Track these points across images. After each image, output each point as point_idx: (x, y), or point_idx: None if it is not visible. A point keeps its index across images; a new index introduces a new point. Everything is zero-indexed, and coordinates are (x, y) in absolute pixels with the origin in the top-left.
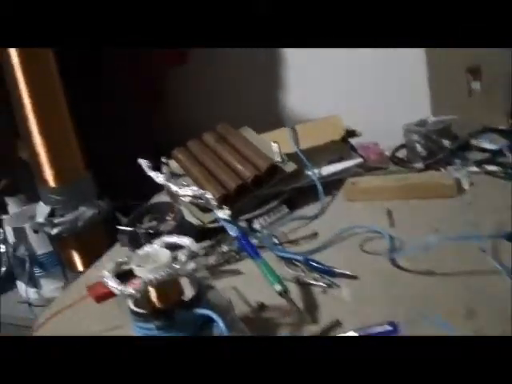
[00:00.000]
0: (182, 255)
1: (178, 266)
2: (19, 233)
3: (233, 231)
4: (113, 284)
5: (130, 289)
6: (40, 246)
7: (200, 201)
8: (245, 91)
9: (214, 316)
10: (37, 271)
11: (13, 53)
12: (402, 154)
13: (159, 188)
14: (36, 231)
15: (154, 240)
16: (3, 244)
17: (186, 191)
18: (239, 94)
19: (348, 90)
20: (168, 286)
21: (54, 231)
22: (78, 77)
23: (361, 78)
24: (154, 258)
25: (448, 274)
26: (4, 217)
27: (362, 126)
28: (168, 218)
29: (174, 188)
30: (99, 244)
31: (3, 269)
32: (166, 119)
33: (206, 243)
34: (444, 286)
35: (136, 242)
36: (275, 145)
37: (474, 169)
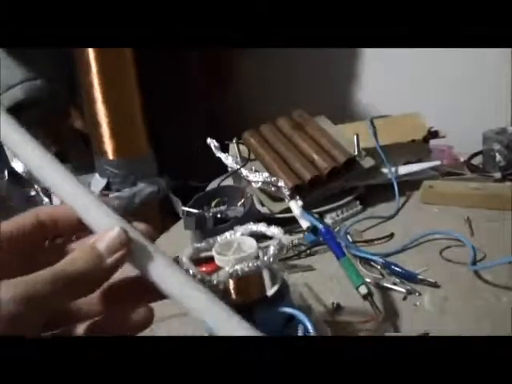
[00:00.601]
0: (272, 247)
1: (266, 259)
2: None
3: (313, 223)
4: (192, 271)
5: (212, 278)
6: None
7: (271, 188)
8: (318, 80)
9: (301, 316)
10: None
11: None
12: (476, 161)
13: (222, 171)
14: None
15: (225, 225)
16: None
17: (257, 177)
18: (311, 82)
19: (426, 90)
20: (250, 280)
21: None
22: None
23: (441, 78)
24: (238, 246)
25: None
26: None
27: (437, 127)
28: (237, 203)
29: (244, 172)
30: (154, 223)
31: None
32: (234, 103)
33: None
34: None
35: (202, 226)
36: (355, 137)
37: None
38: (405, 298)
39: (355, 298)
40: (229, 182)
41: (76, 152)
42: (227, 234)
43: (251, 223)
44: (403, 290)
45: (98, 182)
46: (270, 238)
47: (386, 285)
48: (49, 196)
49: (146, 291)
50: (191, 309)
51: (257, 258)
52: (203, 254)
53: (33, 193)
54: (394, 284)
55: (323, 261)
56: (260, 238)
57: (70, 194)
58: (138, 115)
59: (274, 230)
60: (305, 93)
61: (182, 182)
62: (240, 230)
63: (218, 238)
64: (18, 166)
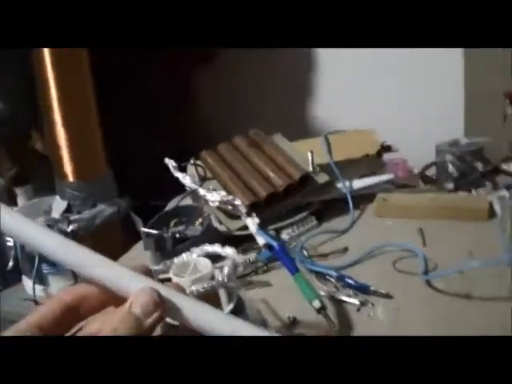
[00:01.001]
0: (226, 267)
1: (221, 279)
2: None
3: (267, 241)
4: None
5: None
6: None
7: (228, 207)
8: (271, 96)
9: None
10: (45, 268)
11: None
12: (430, 172)
13: (180, 190)
14: (50, 226)
15: (183, 245)
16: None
17: (215, 196)
18: (265, 98)
19: (378, 103)
20: (207, 299)
21: (70, 228)
22: (106, 75)
23: (393, 91)
24: (194, 267)
25: (484, 297)
26: (14, 209)
27: (390, 142)
28: (195, 222)
29: (201, 192)
30: (115, 244)
31: (10, 263)
32: (191, 120)
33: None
34: (481, 310)
35: (162, 246)
36: (309, 154)
37: (505, 193)
38: (359, 310)
39: (311, 311)
40: (188, 201)
41: (37, 174)
42: (184, 256)
43: (207, 244)
44: (357, 302)
45: (59, 204)
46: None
47: (340, 297)
48: None
49: None
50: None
51: (212, 277)
52: (162, 276)
53: None
54: (348, 296)
55: (279, 276)
56: (216, 258)
57: (93, 266)
58: (97, 138)
59: (228, 251)
60: (261, 110)
61: (143, 201)
62: (196, 252)
63: (175, 260)
64: None
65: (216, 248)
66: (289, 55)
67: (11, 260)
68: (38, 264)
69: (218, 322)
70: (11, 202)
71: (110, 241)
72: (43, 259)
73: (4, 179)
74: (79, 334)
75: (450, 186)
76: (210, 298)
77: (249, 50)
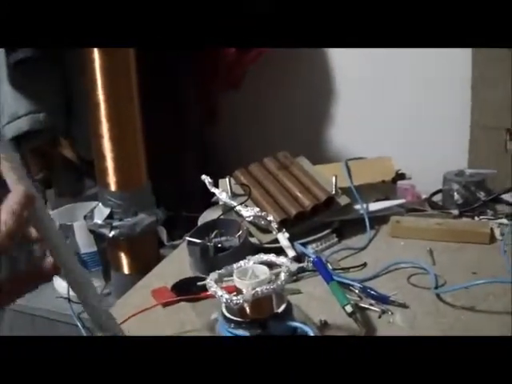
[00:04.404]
0: (282, 273)
1: (280, 283)
2: (66, 230)
3: (307, 254)
4: (220, 292)
5: (239, 298)
6: (85, 245)
7: (261, 222)
8: (292, 121)
9: (305, 327)
10: None
11: (96, 55)
12: (436, 198)
13: (209, 203)
14: (93, 231)
15: (225, 253)
16: None
17: (249, 212)
18: (287, 123)
19: (393, 132)
20: (263, 300)
21: (112, 234)
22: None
23: (406, 123)
24: (253, 273)
25: (487, 310)
26: (49, 211)
27: (402, 167)
28: (234, 234)
29: (237, 207)
30: (152, 251)
31: None
32: (218, 141)
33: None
34: (484, 321)
35: (205, 254)
36: (333, 178)
37: (504, 221)
38: (380, 317)
39: (339, 316)
40: (218, 213)
41: (63, 179)
42: (242, 263)
43: (262, 254)
44: (378, 310)
45: (101, 211)
46: (277, 265)
47: (363, 305)
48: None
49: None
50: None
51: (269, 282)
52: (225, 279)
53: None
54: (371, 305)
55: (307, 285)
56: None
57: None
58: (140, 150)
59: (282, 260)
60: (284, 133)
61: (175, 212)
62: (253, 259)
63: (235, 266)
64: None
65: (271, 257)
66: (311, 81)
67: None
68: None
69: (74, 269)
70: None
71: (145, 247)
72: (78, 260)
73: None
74: None
75: (455, 211)
76: (265, 299)
77: (274, 75)
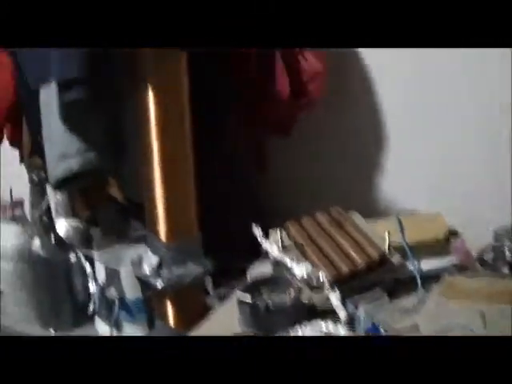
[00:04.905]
0: None
1: None
2: (112, 274)
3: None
4: None
5: None
6: (130, 291)
7: (312, 279)
8: (342, 170)
9: None
10: (122, 315)
11: (150, 100)
12: (486, 255)
13: (258, 253)
14: (141, 280)
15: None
16: (92, 279)
17: (301, 269)
18: (337, 172)
19: (440, 185)
20: None
21: (161, 284)
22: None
23: (456, 177)
24: None
25: None
26: (95, 252)
27: (449, 221)
28: (285, 292)
29: (289, 264)
30: (200, 302)
31: (91, 307)
32: (268, 189)
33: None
34: None
35: (255, 313)
36: (386, 235)
37: None
38: None
39: None
40: (267, 266)
41: (109, 218)
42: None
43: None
44: None
45: (150, 258)
46: None
47: None
48: (90, 261)
49: None
50: None
51: None
52: None
53: (72, 256)
54: None
55: None
56: None
57: None
58: (192, 200)
59: (341, 331)
60: (334, 182)
61: (223, 262)
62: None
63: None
64: (61, 231)
65: (330, 327)
66: (362, 130)
67: (92, 303)
68: (117, 311)
69: None
70: (87, 243)
71: (192, 297)
72: (122, 306)
73: (80, 221)
74: None
75: (506, 270)
76: None
77: (325, 123)
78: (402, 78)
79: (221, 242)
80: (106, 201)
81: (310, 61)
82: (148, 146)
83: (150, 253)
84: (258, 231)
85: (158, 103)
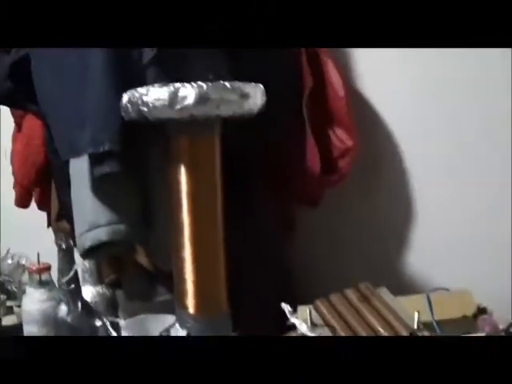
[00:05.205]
0: None
1: None
2: None
3: None
4: None
5: None
6: None
7: None
8: (371, 244)
9: None
10: None
11: (182, 172)
12: None
13: (285, 326)
14: None
15: None
16: None
17: None
18: (365, 246)
19: (469, 262)
20: None
21: None
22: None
23: (483, 252)
24: None
25: None
26: (121, 321)
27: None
28: None
29: None
30: None
31: None
32: (296, 260)
33: None
34: None
35: None
36: (416, 314)
37: None
38: None
39: None
40: None
41: (135, 283)
42: None
43: None
44: None
45: (177, 331)
46: None
47: None
48: (116, 328)
49: None
50: None
51: None
52: None
53: (98, 323)
54: None
55: None
56: None
57: None
58: (222, 275)
59: None
60: (363, 256)
61: (249, 335)
62: None
63: None
64: (88, 297)
65: None
66: (391, 204)
67: None
68: None
69: None
70: (112, 309)
71: None
72: None
73: (105, 285)
74: None
75: None
76: None
77: (354, 195)
78: (434, 151)
79: (249, 316)
80: (132, 267)
81: (341, 137)
82: (178, 218)
83: (177, 325)
84: (286, 308)
85: (190, 177)
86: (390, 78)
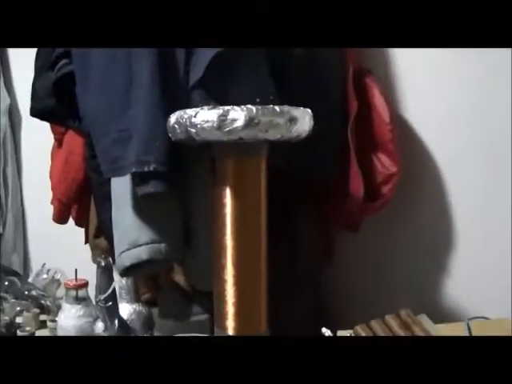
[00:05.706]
0: None
1: None
2: None
3: None
4: None
5: None
6: None
7: None
8: (411, 270)
9: None
10: None
11: (227, 195)
12: None
13: None
14: None
15: None
16: None
17: None
18: (405, 272)
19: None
20: None
21: None
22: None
23: None
24: None
25: None
26: None
27: None
28: None
29: None
30: None
31: None
32: (335, 285)
33: None
34: None
35: None
36: None
37: None
38: None
39: None
40: None
41: (170, 301)
42: None
43: None
44: None
45: None
46: None
47: None
48: None
49: None
50: None
51: None
52: None
53: None
54: None
55: None
56: None
57: None
58: (263, 297)
59: None
60: (402, 282)
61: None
62: None
63: None
64: (125, 314)
65: None
66: (431, 232)
67: None
68: None
69: None
70: (148, 327)
71: None
72: None
73: (141, 303)
74: None
75: None
76: None
77: (394, 221)
78: (476, 178)
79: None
80: (169, 285)
81: (385, 163)
82: (221, 240)
83: None
84: (327, 332)
85: (235, 200)
86: (431, 102)
